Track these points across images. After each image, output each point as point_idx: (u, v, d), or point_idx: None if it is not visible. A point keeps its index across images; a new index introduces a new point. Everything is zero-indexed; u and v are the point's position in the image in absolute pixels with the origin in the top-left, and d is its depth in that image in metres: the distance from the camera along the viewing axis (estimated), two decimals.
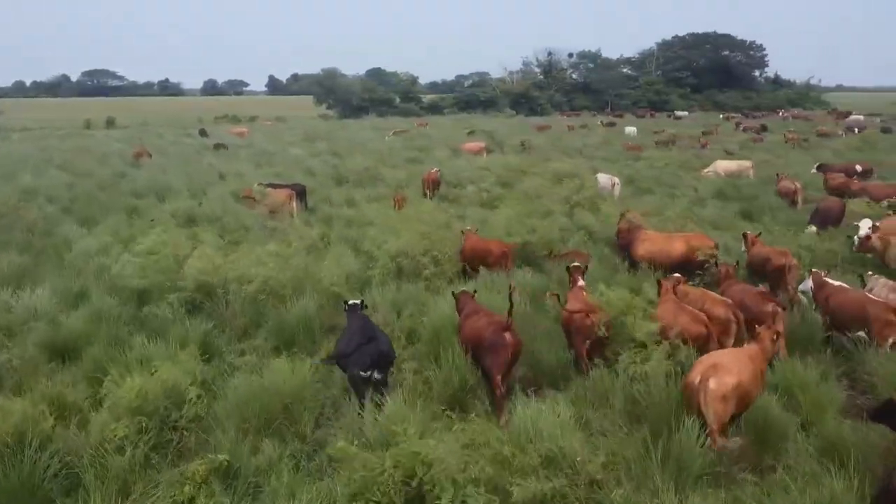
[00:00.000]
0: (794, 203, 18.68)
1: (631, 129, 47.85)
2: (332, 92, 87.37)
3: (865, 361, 8.03)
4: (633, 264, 12.22)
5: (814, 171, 24.95)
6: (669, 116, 75.64)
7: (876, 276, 10.00)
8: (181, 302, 10.24)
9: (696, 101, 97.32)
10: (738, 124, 56.02)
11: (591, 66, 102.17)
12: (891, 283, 9.69)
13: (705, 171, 25.20)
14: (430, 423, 6.72)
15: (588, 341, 8.18)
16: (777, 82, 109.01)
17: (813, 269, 10.15)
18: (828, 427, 6.75)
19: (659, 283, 9.08)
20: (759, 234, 12.30)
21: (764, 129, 48.77)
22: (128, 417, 6.29)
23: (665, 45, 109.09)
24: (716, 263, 10.98)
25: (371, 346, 7.55)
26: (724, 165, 25.51)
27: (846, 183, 19.48)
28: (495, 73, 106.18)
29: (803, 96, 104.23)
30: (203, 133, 49.14)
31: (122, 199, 20.03)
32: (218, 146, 36.16)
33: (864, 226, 12.44)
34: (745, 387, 6.44)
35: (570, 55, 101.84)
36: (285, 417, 7.10)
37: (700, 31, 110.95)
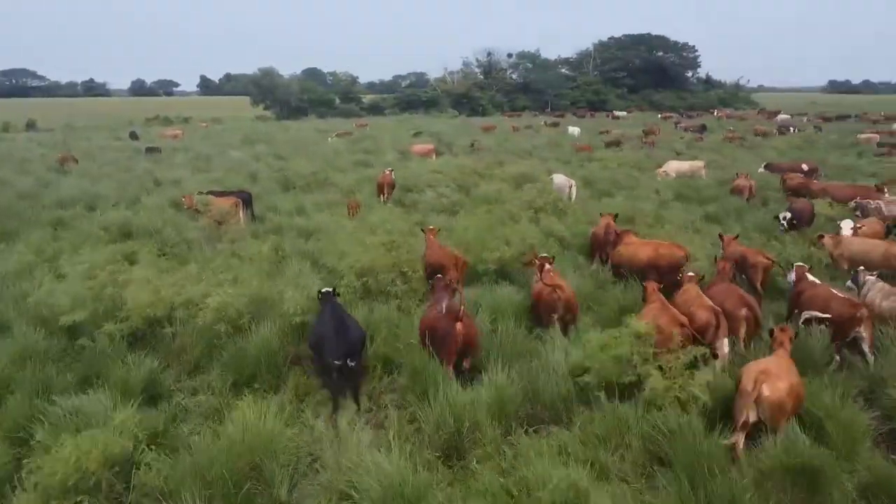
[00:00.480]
0: (747, 199, 19.17)
1: (574, 130, 47.82)
2: (269, 92, 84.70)
3: (886, 380, 7.52)
4: (616, 270, 11.70)
5: (761, 170, 25.21)
6: (608, 116, 76.57)
7: (875, 278, 9.64)
8: (120, 334, 8.91)
9: (634, 102, 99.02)
10: (676, 124, 56.99)
11: (529, 66, 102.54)
12: (888, 288, 9.31)
13: (660, 170, 25.07)
14: (425, 473, 5.81)
15: (555, 315, 9.17)
16: (708, 82, 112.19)
17: (798, 264, 10.17)
18: (864, 460, 6.17)
19: (645, 287, 9.23)
20: (737, 236, 12.23)
21: (704, 128, 49.67)
22: (60, 499, 5.05)
23: (601, 46, 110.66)
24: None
25: (345, 334, 7.84)
26: (676, 166, 25.41)
27: (805, 183, 19.44)
28: (433, 73, 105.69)
29: (733, 96, 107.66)
30: (134, 136, 46.36)
31: (46, 210, 18.08)
32: (151, 150, 33.84)
33: (846, 226, 12.20)
34: (797, 389, 6.61)
35: (510, 55, 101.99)
36: (256, 478, 6.00)
37: (635, 32, 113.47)
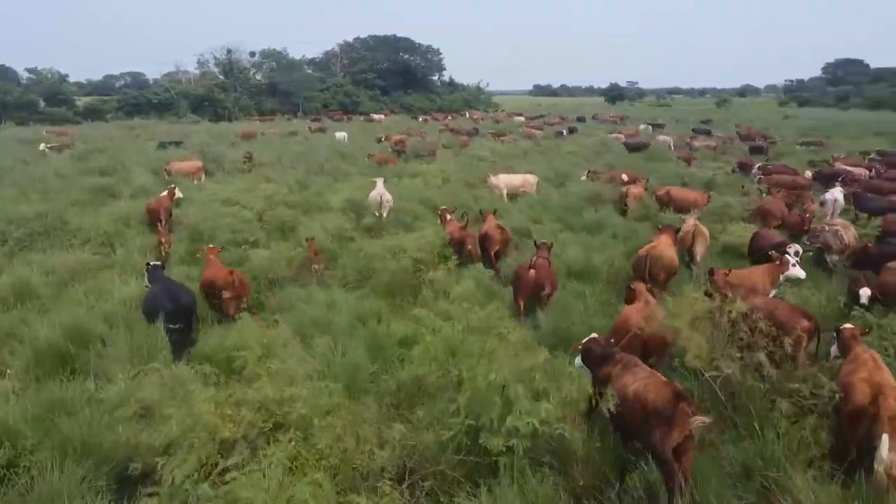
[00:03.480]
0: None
1: (342, 135, 43.31)
2: None
3: None
4: None
5: (584, 178, 23.49)
6: (364, 119, 73.40)
7: None
8: None
9: (386, 104, 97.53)
10: (447, 126, 55.54)
11: (273, 65, 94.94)
12: None
13: (493, 183, 21.87)
14: None
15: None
16: (452, 85, 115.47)
17: None
18: None
19: (629, 289, 9.16)
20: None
21: (476, 132, 48.73)
22: None
23: (347, 47, 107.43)
24: None
25: (175, 301, 8.98)
26: (507, 180, 22.37)
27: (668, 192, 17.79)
28: (152, 73, 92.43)
29: (476, 98, 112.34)
30: None
31: None
32: None
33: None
34: None
35: (252, 54, 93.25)
36: None
37: (380, 33, 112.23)
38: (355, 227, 15.58)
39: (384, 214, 16.77)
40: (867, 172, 20.85)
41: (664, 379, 6.14)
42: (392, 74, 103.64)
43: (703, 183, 21.79)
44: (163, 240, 13.94)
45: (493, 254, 12.79)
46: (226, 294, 9.74)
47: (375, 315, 9.22)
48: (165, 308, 8.61)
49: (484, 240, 12.83)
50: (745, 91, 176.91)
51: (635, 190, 18.61)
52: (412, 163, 28.09)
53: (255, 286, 10.84)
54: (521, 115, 75.85)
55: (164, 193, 17.06)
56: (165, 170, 24.74)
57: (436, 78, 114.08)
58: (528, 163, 28.70)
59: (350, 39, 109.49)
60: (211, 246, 11.45)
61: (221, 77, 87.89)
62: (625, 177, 22.51)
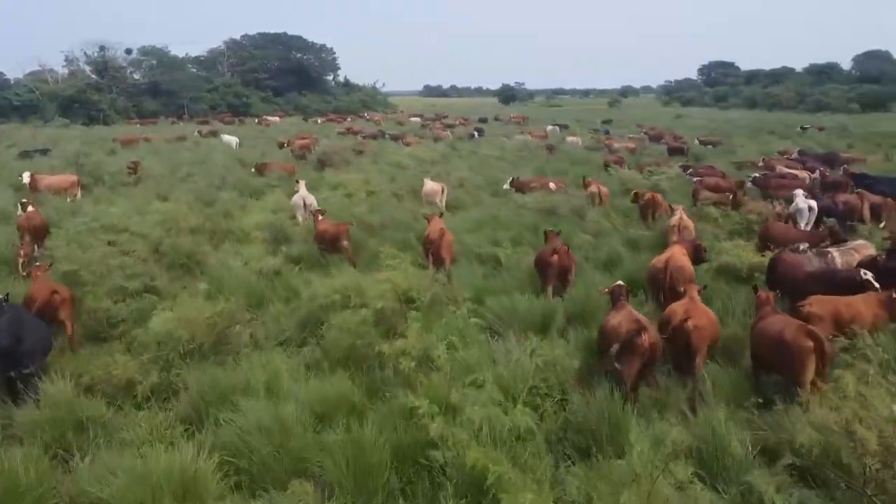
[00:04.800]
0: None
1: (231, 139, 39.45)
2: None
3: None
4: None
5: (506, 186, 21.69)
6: (258, 121, 68.79)
7: None
8: None
9: (279, 105, 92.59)
10: (352, 131, 52.38)
11: (154, 63, 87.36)
12: None
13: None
14: None
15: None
16: (348, 86, 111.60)
17: None
18: None
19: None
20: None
21: (382, 134, 46.30)
22: None
23: (235, 45, 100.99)
24: None
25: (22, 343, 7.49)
26: (430, 186, 20.09)
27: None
28: (12, 72, 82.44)
29: (373, 99, 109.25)
30: None
31: None
32: None
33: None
34: None
35: (129, 51, 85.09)
36: None
37: (270, 30, 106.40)
38: (283, 258, 12.76)
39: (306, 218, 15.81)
40: (809, 175, 20.28)
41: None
42: (285, 74, 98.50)
43: (650, 189, 20.47)
44: (22, 252, 12.38)
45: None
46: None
47: (345, 406, 6.69)
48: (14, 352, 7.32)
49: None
50: (626, 92, 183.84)
51: (603, 189, 18.81)
52: (326, 172, 25.18)
53: (160, 363, 7.90)
54: (418, 116, 73.77)
55: (30, 210, 14.31)
56: (29, 185, 20.55)
57: (331, 78, 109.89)
58: (454, 168, 26.61)
59: (237, 37, 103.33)
60: (38, 264, 10.39)
61: (94, 76, 79.64)
62: (552, 185, 20.91)
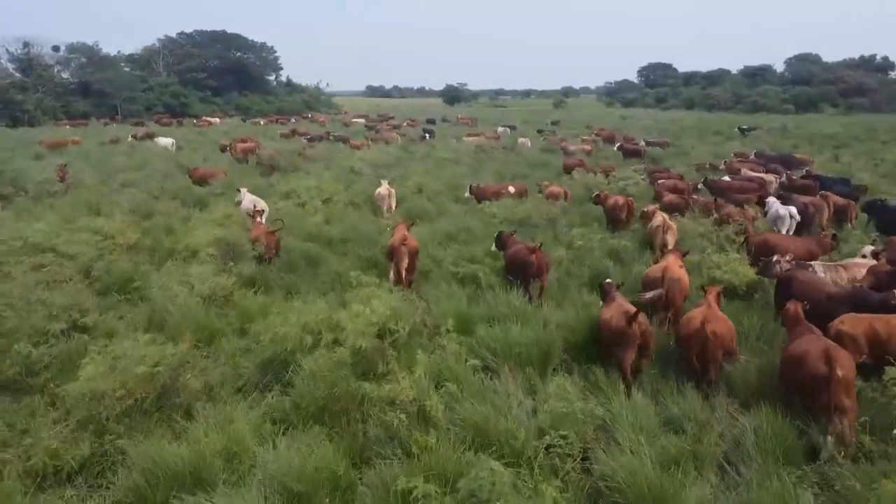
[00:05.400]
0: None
1: (167, 141, 37.20)
2: None
3: None
4: None
5: (467, 195, 20.69)
6: (196, 123, 65.84)
7: None
8: None
9: (219, 105, 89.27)
10: (293, 131, 50.43)
11: (84, 61, 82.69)
12: None
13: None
14: None
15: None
16: (290, 86, 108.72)
17: None
18: None
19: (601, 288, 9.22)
20: None
21: (329, 136, 44.60)
22: None
23: (171, 43, 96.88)
24: None
25: None
26: (378, 190, 18.86)
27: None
28: None
29: (316, 99, 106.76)
30: None
31: None
32: None
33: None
34: None
35: (57, 48, 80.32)
36: None
37: (207, 28, 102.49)
38: (235, 280, 11.29)
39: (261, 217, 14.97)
40: (776, 178, 19.94)
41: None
42: (224, 74, 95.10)
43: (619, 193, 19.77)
44: None
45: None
46: None
47: (328, 481, 5.45)
48: None
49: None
50: (567, 92, 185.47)
51: (556, 189, 19.41)
52: (274, 178, 23.58)
53: (90, 428, 6.45)
54: (363, 116, 72.18)
55: None
56: None
57: (273, 78, 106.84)
58: (410, 172, 25.38)
59: (174, 35, 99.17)
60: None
61: (18, 75, 74.84)
62: (511, 189, 20.07)
